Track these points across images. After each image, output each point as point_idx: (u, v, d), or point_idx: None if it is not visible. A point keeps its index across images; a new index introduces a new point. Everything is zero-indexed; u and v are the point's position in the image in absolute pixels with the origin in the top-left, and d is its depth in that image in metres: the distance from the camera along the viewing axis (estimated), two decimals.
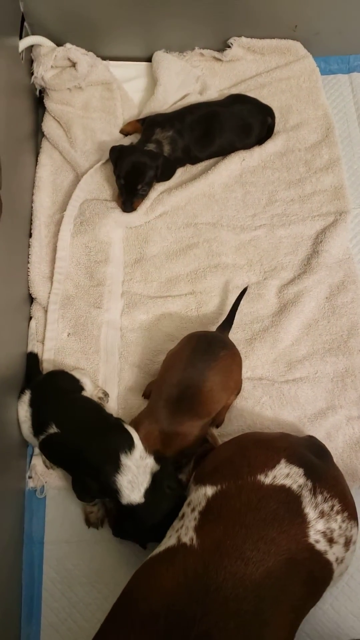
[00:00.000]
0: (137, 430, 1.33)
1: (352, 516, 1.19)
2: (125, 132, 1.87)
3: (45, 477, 1.46)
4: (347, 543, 1.17)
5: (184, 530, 1.15)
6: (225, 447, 1.32)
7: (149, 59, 2.02)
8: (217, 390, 1.36)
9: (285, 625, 1.07)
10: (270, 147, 1.88)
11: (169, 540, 1.16)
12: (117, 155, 1.72)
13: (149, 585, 1.08)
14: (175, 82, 1.93)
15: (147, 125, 1.81)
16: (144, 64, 2.03)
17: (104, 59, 1.97)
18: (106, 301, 1.65)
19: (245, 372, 1.58)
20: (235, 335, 1.62)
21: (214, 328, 1.62)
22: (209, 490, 1.18)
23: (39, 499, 1.47)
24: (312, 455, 1.24)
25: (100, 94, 1.94)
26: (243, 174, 1.86)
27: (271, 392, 1.56)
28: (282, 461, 1.19)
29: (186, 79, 1.95)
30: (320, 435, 1.44)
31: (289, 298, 1.67)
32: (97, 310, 1.63)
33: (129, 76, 2.00)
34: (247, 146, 1.86)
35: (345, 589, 1.35)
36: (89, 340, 1.60)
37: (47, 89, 1.91)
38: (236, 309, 1.56)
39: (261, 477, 1.16)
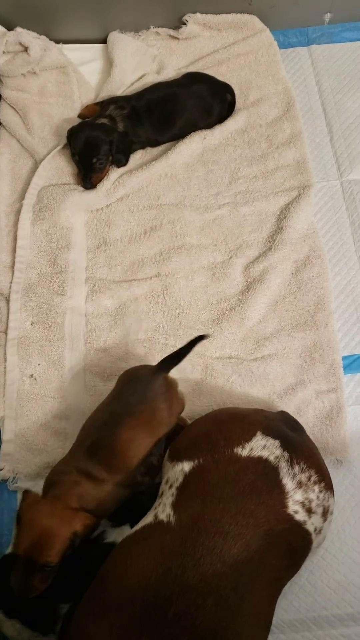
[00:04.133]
0: (58, 481, 1.19)
1: (328, 487, 1.20)
2: (83, 116, 1.84)
3: (17, 467, 1.44)
4: (325, 513, 1.18)
5: (161, 508, 1.14)
6: (200, 422, 1.31)
7: (104, 41, 1.99)
8: (132, 445, 1.22)
9: (265, 598, 1.08)
10: (231, 124, 1.86)
11: (146, 519, 1.15)
12: (70, 134, 1.72)
13: (125, 566, 1.07)
14: (131, 63, 1.90)
15: (103, 105, 1.79)
16: (99, 45, 2.00)
17: (57, 42, 1.94)
18: (70, 288, 1.63)
19: (214, 352, 1.57)
20: (202, 315, 1.61)
21: (180, 310, 1.60)
22: (186, 466, 1.17)
23: (11, 491, 1.45)
24: (287, 428, 1.24)
25: (56, 79, 1.91)
26: (205, 153, 1.83)
27: (240, 371, 1.54)
28: (258, 433, 1.18)
29: (142, 59, 1.92)
30: (290, 411, 1.43)
31: (255, 276, 1.65)
32: (60, 297, 1.61)
33: (84, 59, 1.97)
34: (209, 125, 1.84)
35: (321, 563, 1.35)
36: (53, 328, 1.58)
37: (1, 76, 1.87)
38: (188, 351, 1.31)
39: (238, 450, 1.16)
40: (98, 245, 1.71)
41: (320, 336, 1.57)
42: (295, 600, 1.31)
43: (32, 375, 1.54)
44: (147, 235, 1.72)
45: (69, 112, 1.87)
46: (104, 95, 1.87)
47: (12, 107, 1.86)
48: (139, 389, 1.27)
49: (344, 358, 1.55)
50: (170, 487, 1.16)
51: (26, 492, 1.17)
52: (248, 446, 1.16)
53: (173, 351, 1.31)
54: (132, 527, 1.20)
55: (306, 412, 1.49)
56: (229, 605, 1.00)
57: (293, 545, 1.12)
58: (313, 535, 1.15)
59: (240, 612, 1.01)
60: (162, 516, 1.11)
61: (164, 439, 1.29)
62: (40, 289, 1.63)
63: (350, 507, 1.40)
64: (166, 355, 1.30)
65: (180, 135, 1.82)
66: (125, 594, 1.01)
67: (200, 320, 1.61)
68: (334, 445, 1.44)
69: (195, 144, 1.82)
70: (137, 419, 1.23)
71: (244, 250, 1.70)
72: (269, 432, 1.19)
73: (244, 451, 1.15)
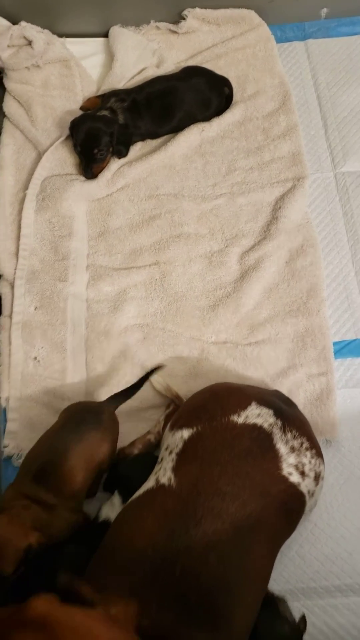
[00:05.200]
0: (9, 507, 1.21)
1: (319, 454, 1.28)
2: (85, 108, 1.89)
3: (21, 444, 1.51)
4: (317, 478, 1.25)
5: (162, 472, 1.21)
6: (198, 394, 1.38)
7: (105, 35, 2.04)
8: (78, 472, 1.27)
9: (263, 555, 1.15)
10: (228, 117, 1.91)
11: (148, 483, 1.22)
12: (72, 126, 1.77)
13: (132, 529, 1.13)
14: (132, 57, 1.95)
15: (104, 98, 1.84)
16: (101, 39, 2.05)
17: (60, 36, 1.99)
18: (71, 274, 1.69)
19: (210, 337, 1.63)
20: (199, 302, 1.67)
21: (177, 297, 1.66)
22: (185, 433, 1.24)
23: (16, 467, 1.51)
24: (278, 400, 1.32)
25: (59, 72, 1.96)
26: (202, 145, 1.89)
27: (235, 355, 1.60)
28: (253, 403, 1.26)
29: (143, 53, 1.97)
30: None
31: (250, 264, 1.71)
32: (62, 283, 1.67)
33: (86, 53, 2.02)
34: (207, 118, 1.89)
35: (310, 537, 1.42)
36: (56, 313, 1.64)
37: (6, 69, 1.92)
38: (139, 387, 1.47)
39: (234, 418, 1.23)
40: (99, 233, 1.77)
41: (312, 322, 1.63)
42: (285, 572, 1.38)
43: (35, 358, 1.60)
44: (146, 224, 1.77)
45: (72, 104, 1.92)
46: (106, 88, 1.92)
47: (16, 99, 1.91)
48: (89, 419, 1.34)
49: (335, 344, 1.61)
50: (170, 453, 1.23)
51: None
52: (243, 414, 1.23)
53: (125, 388, 1.45)
54: (123, 500, 1.27)
55: (297, 394, 1.55)
56: (231, 561, 1.07)
57: (288, 506, 1.19)
58: (307, 497, 1.22)
59: (241, 567, 1.09)
60: (164, 480, 1.18)
61: (106, 469, 1.36)
62: (43, 275, 1.69)
63: (339, 484, 1.46)
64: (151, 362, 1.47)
65: (179, 127, 1.87)
66: (135, 554, 1.07)
67: (196, 307, 1.67)
68: (323, 425, 1.51)
69: (194, 136, 1.87)
70: (83, 448, 1.28)
71: (240, 239, 1.76)
72: (263, 402, 1.26)
73: (239, 419, 1.22)
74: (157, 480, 1.19)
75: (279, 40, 2.06)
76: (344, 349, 1.61)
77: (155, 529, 1.10)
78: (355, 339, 1.62)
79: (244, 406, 1.25)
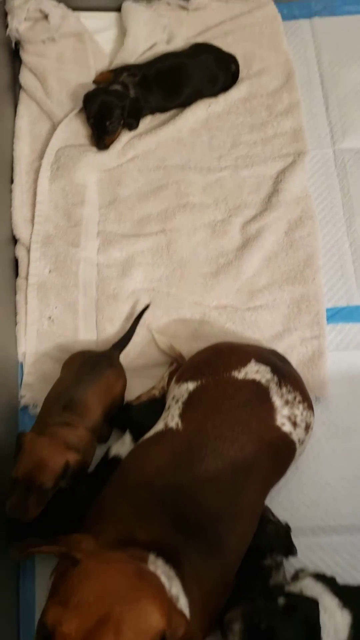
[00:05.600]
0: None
1: (310, 407, 1.43)
2: (97, 82, 1.98)
3: (36, 396, 1.64)
4: (307, 428, 1.40)
5: (170, 418, 1.35)
6: (202, 352, 1.52)
7: (118, 9, 2.11)
8: (97, 400, 1.44)
9: (256, 493, 1.30)
10: (234, 93, 2.00)
11: (157, 426, 1.37)
12: (85, 99, 1.87)
13: (143, 461, 1.29)
14: (143, 32, 2.03)
15: (116, 73, 1.93)
16: (113, 14, 2.12)
17: (74, 9, 2.06)
18: (83, 240, 1.80)
19: (212, 302, 1.75)
20: (202, 269, 1.79)
21: (182, 263, 1.78)
22: (191, 385, 1.38)
23: (32, 416, 1.65)
24: (275, 357, 1.46)
25: (73, 46, 2.04)
26: (209, 119, 1.98)
27: (234, 319, 1.73)
28: (252, 361, 1.39)
29: (154, 29, 2.05)
30: None
31: (251, 234, 1.82)
32: (75, 248, 1.79)
33: (99, 27, 2.09)
34: (214, 94, 1.98)
35: (298, 484, 1.55)
36: (69, 276, 1.75)
37: (22, 42, 2.01)
38: (134, 330, 1.66)
39: (235, 373, 1.36)
40: (109, 202, 1.87)
41: (308, 289, 1.75)
42: (275, 514, 1.52)
43: (50, 317, 1.72)
44: (154, 194, 1.88)
45: (85, 78, 2.01)
46: (118, 62, 2.01)
47: (32, 72, 2.00)
48: (103, 361, 1.52)
49: (328, 310, 1.73)
50: (177, 402, 1.37)
51: (22, 433, 1.33)
52: (243, 370, 1.37)
53: (122, 336, 1.63)
54: (135, 440, 1.42)
55: (291, 356, 1.66)
56: (228, 496, 1.22)
57: (280, 452, 1.34)
58: (297, 445, 1.36)
59: (237, 502, 1.23)
60: (172, 424, 1.32)
61: (118, 407, 1.54)
62: (57, 240, 1.80)
63: (326, 438, 1.60)
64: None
65: (187, 102, 1.96)
66: (144, 479, 1.22)
67: (200, 273, 1.78)
68: (314, 385, 1.63)
69: (201, 111, 1.97)
70: (101, 384, 1.46)
71: (242, 210, 1.86)
72: (261, 360, 1.40)
73: (239, 374, 1.36)
74: (166, 424, 1.34)
75: (285, 17, 2.13)
76: (336, 315, 1.73)
77: (163, 464, 1.24)
78: (347, 305, 1.74)
79: (244, 363, 1.38)
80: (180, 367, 1.57)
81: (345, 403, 1.63)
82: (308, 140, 1.94)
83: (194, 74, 1.93)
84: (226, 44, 2.04)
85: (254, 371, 1.37)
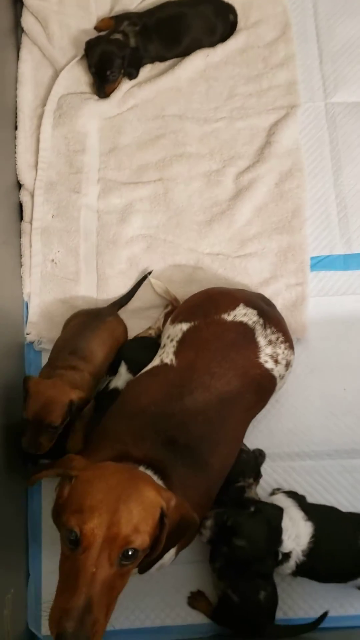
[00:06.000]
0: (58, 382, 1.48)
1: (291, 347, 1.58)
2: (99, 29, 2.03)
3: (41, 332, 1.79)
4: (287, 365, 1.56)
5: (165, 355, 1.49)
6: (195, 296, 1.65)
7: None
8: (101, 347, 1.60)
9: (239, 422, 1.48)
10: (232, 43, 2.05)
11: (154, 362, 1.52)
12: (87, 47, 1.93)
13: (139, 392, 1.45)
14: None
15: (117, 20, 1.98)
16: None
17: None
18: (84, 186, 1.90)
19: (205, 249, 1.88)
20: (197, 217, 1.90)
21: (178, 211, 1.89)
22: (184, 326, 1.52)
23: (36, 351, 1.80)
24: (262, 302, 1.60)
25: None
26: (207, 69, 2.04)
27: (226, 265, 1.86)
28: (241, 305, 1.53)
29: None
30: None
31: (244, 184, 1.93)
32: (76, 194, 1.89)
33: None
34: (212, 44, 2.04)
35: (277, 414, 1.73)
36: (71, 221, 1.87)
37: None
38: (134, 293, 1.80)
39: (224, 316, 1.51)
40: (109, 150, 1.96)
41: (294, 239, 1.87)
42: (256, 441, 1.70)
43: (53, 260, 1.85)
44: (152, 142, 1.96)
45: (86, 23, 2.05)
46: (119, 9, 2.04)
47: (34, 15, 2.03)
48: (104, 311, 1.69)
49: (312, 258, 1.87)
50: (172, 340, 1.52)
51: (27, 377, 1.46)
52: (232, 313, 1.51)
53: (121, 296, 1.78)
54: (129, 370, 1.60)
55: (276, 300, 1.79)
56: (214, 423, 1.38)
57: (262, 386, 1.50)
58: (277, 379, 1.53)
59: (221, 429, 1.40)
60: (167, 360, 1.47)
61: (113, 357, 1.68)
62: (59, 186, 1.90)
63: (304, 374, 1.77)
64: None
65: (186, 52, 2.02)
66: (139, 407, 1.39)
67: (194, 221, 1.90)
68: (295, 327, 1.78)
69: (199, 60, 2.03)
70: (105, 329, 1.62)
71: (236, 161, 1.96)
72: (249, 304, 1.54)
73: (229, 317, 1.50)
74: (162, 360, 1.49)
75: None
76: (319, 263, 1.87)
77: (157, 393, 1.41)
78: (329, 254, 1.88)
79: (233, 307, 1.52)
80: (175, 309, 1.71)
81: (322, 344, 1.80)
82: (301, 94, 2.02)
83: (193, 24, 1.98)
84: None
85: (242, 314, 1.51)
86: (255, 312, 1.52)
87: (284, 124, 1.97)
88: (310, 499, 1.61)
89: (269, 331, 1.52)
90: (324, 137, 2.01)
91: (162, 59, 2.03)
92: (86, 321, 1.65)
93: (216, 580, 1.47)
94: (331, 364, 1.78)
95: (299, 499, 1.51)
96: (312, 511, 1.47)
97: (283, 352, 1.53)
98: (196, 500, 1.31)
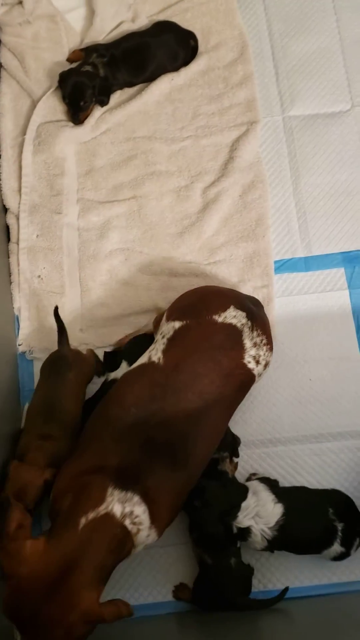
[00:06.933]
0: (27, 451, 1.58)
1: (271, 349, 1.68)
2: (71, 60, 2.19)
3: (32, 343, 1.96)
4: (266, 365, 1.66)
5: (154, 352, 1.56)
6: (189, 294, 1.72)
7: None
8: (73, 400, 1.67)
9: (221, 418, 1.58)
10: (194, 67, 2.21)
11: (142, 359, 1.59)
12: (60, 79, 2.09)
13: (125, 391, 1.52)
14: (110, 12, 2.22)
15: (87, 52, 2.14)
16: None
17: None
18: (65, 207, 2.07)
19: (178, 258, 2.04)
20: (169, 230, 2.06)
21: (152, 225, 2.05)
22: (177, 324, 1.59)
23: (28, 360, 1.97)
24: (251, 305, 1.67)
25: (47, 26, 2.22)
26: (172, 92, 2.20)
27: (197, 272, 2.02)
28: (231, 307, 1.60)
29: (120, 8, 2.23)
30: None
31: (210, 197, 2.09)
32: (58, 215, 2.06)
33: (70, 6, 2.27)
34: (176, 69, 2.20)
35: (250, 406, 1.89)
36: (54, 240, 2.04)
37: (1, 24, 2.19)
38: (62, 326, 1.78)
39: (215, 317, 1.58)
40: (86, 172, 2.13)
41: (259, 245, 2.04)
42: (232, 430, 1.87)
43: (39, 276, 2.01)
44: (125, 163, 2.13)
45: (59, 56, 2.21)
46: (88, 41, 2.21)
47: (11, 51, 2.20)
48: (62, 363, 1.72)
49: (276, 262, 2.03)
50: (163, 337, 1.58)
51: (7, 460, 1.57)
52: (223, 315, 1.58)
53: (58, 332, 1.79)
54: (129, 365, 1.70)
55: None
56: (196, 421, 1.47)
57: (244, 384, 1.59)
58: (256, 377, 1.63)
59: (203, 426, 1.49)
60: (154, 358, 1.54)
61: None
62: (42, 208, 2.07)
63: (274, 367, 1.89)
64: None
65: (151, 77, 2.18)
66: (122, 407, 1.47)
67: (167, 234, 2.06)
68: None
69: (164, 84, 2.19)
70: (70, 382, 1.68)
71: (203, 176, 2.12)
72: (239, 306, 1.61)
73: (219, 318, 1.57)
74: (150, 358, 1.56)
75: None
76: (282, 266, 2.04)
77: (141, 392, 1.48)
78: (291, 258, 2.05)
79: (224, 308, 1.59)
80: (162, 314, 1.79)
81: (289, 339, 1.96)
82: (260, 110, 2.18)
83: (157, 52, 2.15)
84: (185, 20, 2.24)
85: (232, 316, 1.58)
86: (244, 314, 1.59)
87: (245, 139, 2.13)
88: (283, 481, 1.78)
89: (255, 333, 1.59)
90: (283, 149, 2.17)
91: (130, 85, 2.20)
92: (53, 374, 1.71)
93: (194, 547, 1.64)
94: (297, 357, 1.95)
95: (271, 484, 1.68)
96: (283, 494, 1.63)
97: (264, 354, 1.62)
98: (169, 503, 1.43)
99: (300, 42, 2.28)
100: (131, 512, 1.35)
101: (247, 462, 1.85)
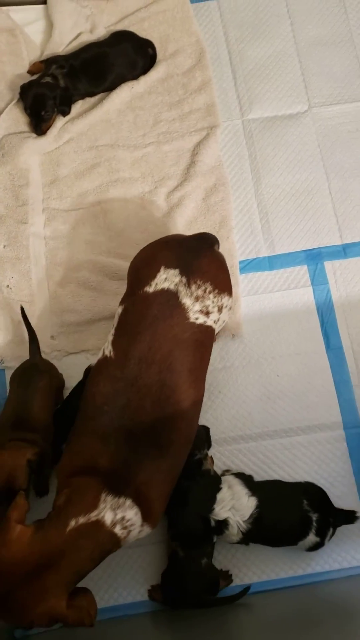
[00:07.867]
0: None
1: (221, 291, 1.56)
2: (31, 72, 2.22)
3: (4, 352, 1.98)
4: (220, 308, 1.56)
5: (106, 345, 1.53)
6: (128, 272, 1.68)
7: (44, 1, 2.31)
8: (43, 409, 1.68)
9: (189, 384, 1.48)
10: (153, 74, 2.26)
11: (99, 354, 1.55)
12: (21, 91, 2.13)
13: (92, 392, 1.49)
14: (68, 24, 2.26)
15: (47, 64, 2.18)
16: (41, 6, 2.32)
17: (4, 5, 2.27)
18: (31, 217, 2.10)
19: None
20: (135, 235, 2.10)
21: (118, 231, 2.09)
22: (120, 310, 1.55)
23: (0, 369, 1.99)
24: (187, 253, 1.55)
25: (7, 40, 2.26)
26: (132, 100, 2.25)
27: None
28: (161, 269, 1.51)
29: (78, 19, 2.27)
30: None
31: (174, 202, 2.14)
32: (24, 225, 2.08)
33: (29, 19, 2.30)
34: (135, 77, 2.24)
35: (221, 404, 1.93)
36: (21, 249, 2.06)
37: None
38: (33, 332, 1.83)
39: (147, 289, 1.50)
40: (51, 181, 2.16)
41: (224, 246, 2.07)
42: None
43: (8, 286, 2.04)
44: (89, 171, 2.16)
45: (20, 69, 2.24)
46: (48, 53, 2.25)
47: None
48: (33, 372, 1.75)
49: (240, 262, 2.08)
50: (113, 328, 1.55)
51: None
52: (153, 283, 1.50)
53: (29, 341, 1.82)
54: None
55: None
56: (162, 400, 1.43)
57: (200, 342, 1.51)
58: (214, 326, 1.54)
59: (173, 401, 1.44)
60: (107, 352, 1.51)
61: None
62: (8, 219, 2.09)
63: (242, 365, 1.97)
64: None
65: (112, 86, 2.22)
66: (97, 408, 1.46)
67: (133, 240, 2.09)
68: (231, 325, 1.98)
69: (125, 93, 2.23)
70: (40, 392, 1.69)
71: (166, 181, 2.17)
72: (169, 264, 1.51)
73: (150, 288, 1.50)
74: (103, 352, 1.52)
75: (194, 0, 2.36)
76: (247, 266, 2.08)
77: (106, 390, 1.46)
78: (255, 257, 2.10)
79: (154, 275, 1.50)
80: None
81: (256, 337, 2.01)
82: (220, 114, 2.23)
83: (116, 61, 2.19)
84: (143, 29, 2.28)
85: (163, 280, 1.49)
86: (176, 271, 1.50)
87: (206, 143, 2.18)
88: (257, 476, 1.82)
89: (193, 287, 1.49)
90: (244, 152, 2.22)
91: (91, 94, 2.23)
92: (23, 382, 1.72)
93: (169, 541, 1.67)
94: (265, 354, 1.99)
95: (245, 478, 1.72)
96: (256, 487, 1.68)
97: (212, 302, 1.52)
98: (160, 494, 1.44)
99: (256, 46, 2.33)
100: (122, 518, 1.36)
101: (219, 459, 1.88)
